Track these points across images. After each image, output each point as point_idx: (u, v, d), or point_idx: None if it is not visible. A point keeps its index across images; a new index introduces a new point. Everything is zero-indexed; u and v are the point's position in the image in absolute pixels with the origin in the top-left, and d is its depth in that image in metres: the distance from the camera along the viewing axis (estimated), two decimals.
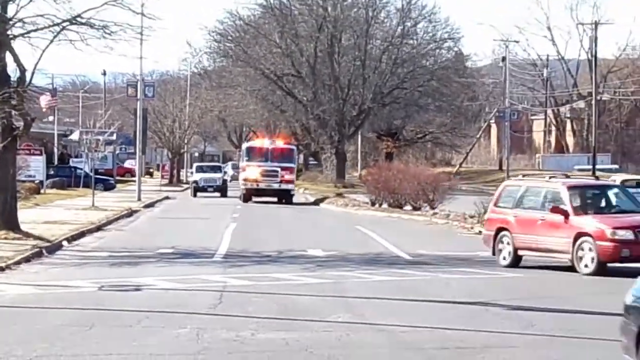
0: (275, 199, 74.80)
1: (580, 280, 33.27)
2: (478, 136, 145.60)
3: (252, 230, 48.54)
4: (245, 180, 56.74)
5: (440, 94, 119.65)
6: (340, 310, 22.53)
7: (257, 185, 55.90)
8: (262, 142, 65.12)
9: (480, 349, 17.43)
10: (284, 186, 56.76)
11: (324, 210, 77.70)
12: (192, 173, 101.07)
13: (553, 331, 19.65)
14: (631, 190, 64.90)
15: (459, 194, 77.00)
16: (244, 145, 63.51)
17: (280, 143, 68.11)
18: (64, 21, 43.06)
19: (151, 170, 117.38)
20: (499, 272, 33.95)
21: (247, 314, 21.69)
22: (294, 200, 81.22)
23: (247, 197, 57.84)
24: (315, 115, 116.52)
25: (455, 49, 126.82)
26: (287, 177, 57.12)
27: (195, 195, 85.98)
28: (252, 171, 56.04)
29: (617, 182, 77.44)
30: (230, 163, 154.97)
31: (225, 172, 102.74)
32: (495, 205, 45.03)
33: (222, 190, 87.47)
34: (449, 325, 20.16)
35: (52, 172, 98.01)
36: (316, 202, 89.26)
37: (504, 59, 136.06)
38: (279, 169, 55.57)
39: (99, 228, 50.09)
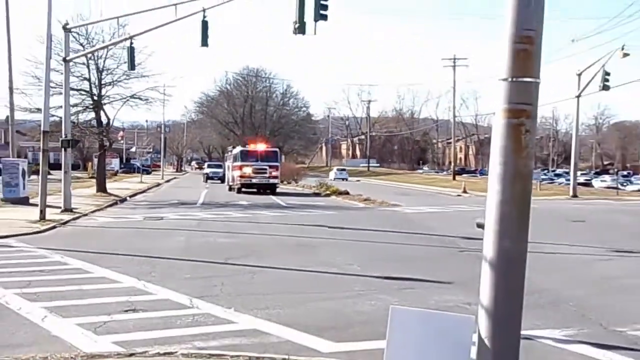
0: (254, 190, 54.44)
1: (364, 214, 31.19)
2: (317, 151, 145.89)
3: (216, 192, 48.07)
4: (241, 176, 44.43)
5: (300, 131, 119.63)
6: (255, 229, 23.40)
7: (251, 180, 44.26)
8: (253, 147, 50.39)
9: (319, 246, 18.45)
10: (271, 181, 45.23)
11: None
12: (205, 168, 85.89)
13: (351, 237, 20.03)
14: (338, 173, 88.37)
15: (308, 177, 75.89)
16: (238, 149, 49.00)
17: (266, 147, 52.97)
18: (127, 97, 42.76)
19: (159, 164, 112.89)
20: (324, 211, 32.27)
21: (212, 230, 22.42)
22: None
23: (240, 189, 45.27)
24: (242, 141, 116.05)
25: (307, 111, 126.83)
26: (274, 173, 45.59)
27: (206, 182, 71.59)
28: (247, 169, 44.05)
29: (335, 170, 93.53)
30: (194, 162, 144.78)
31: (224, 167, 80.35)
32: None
33: (222, 178, 71.67)
34: (303, 235, 20.97)
35: (122, 166, 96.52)
36: None
37: (328, 116, 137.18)
38: (267, 167, 44.37)
39: (143, 191, 49.45)
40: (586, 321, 9.69)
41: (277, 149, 53.38)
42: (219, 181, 69.24)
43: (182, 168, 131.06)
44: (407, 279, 12.82)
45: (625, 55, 41.75)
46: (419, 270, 13.88)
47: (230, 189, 49.93)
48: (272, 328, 8.95)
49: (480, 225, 5.98)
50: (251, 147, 49.30)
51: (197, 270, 13.69)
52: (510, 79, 5.68)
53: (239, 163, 45.60)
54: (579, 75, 45.61)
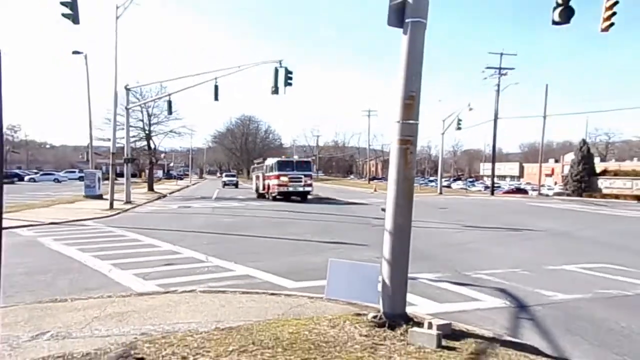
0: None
1: (315, 204, 29.73)
2: None
3: (223, 191, 47.19)
4: (278, 185, 32.31)
5: (275, 154, 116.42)
6: (247, 213, 22.88)
7: (287, 188, 32.22)
8: (289, 157, 38.24)
9: (287, 223, 18.26)
10: (306, 189, 32.75)
11: (243, 187, 69.23)
12: (223, 177, 72.83)
13: (306, 218, 19.88)
14: None
15: None
16: (274, 160, 35.67)
17: (301, 158, 40.02)
18: (167, 132, 42.58)
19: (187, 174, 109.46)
20: (290, 202, 30.62)
21: (221, 214, 21.87)
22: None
23: (275, 197, 32.97)
24: (242, 160, 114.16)
25: (280, 141, 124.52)
26: (308, 182, 32.99)
27: (224, 187, 58.92)
28: (284, 178, 32.20)
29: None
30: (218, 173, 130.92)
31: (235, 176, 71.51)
32: None
33: (236, 184, 62.31)
34: (277, 216, 20.66)
35: (164, 175, 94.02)
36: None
37: (293, 145, 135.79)
38: (302, 176, 32.47)
39: (178, 190, 47.93)
40: (448, 268, 9.79)
41: (310, 160, 37.58)
42: (233, 186, 60.28)
43: (203, 176, 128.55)
44: (340, 242, 12.84)
45: (471, 109, 42.90)
46: (348, 237, 13.87)
47: (260, 195, 35.75)
48: (257, 274, 8.89)
49: (383, 210, 6.02)
50: (287, 157, 34.61)
51: (211, 239, 13.45)
52: (401, 121, 5.75)
53: (275, 173, 31.76)
54: (444, 120, 46.18)
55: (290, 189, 31.46)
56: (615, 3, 9.79)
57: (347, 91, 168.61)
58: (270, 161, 33.32)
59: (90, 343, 4.89)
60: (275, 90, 21.22)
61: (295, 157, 33.70)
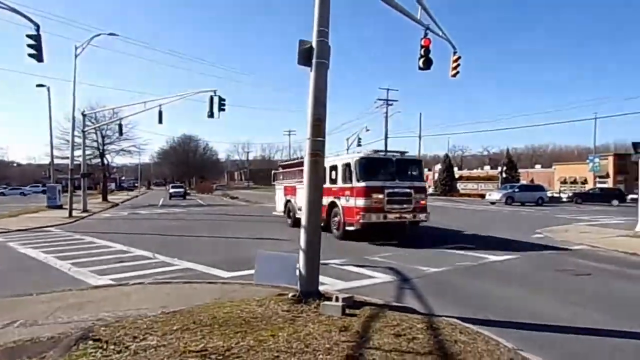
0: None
1: (246, 208, 28.87)
2: (222, 177, 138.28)
3: (167, 201, 44.45)
4: (365, 209, 8.12)
5: (213, 167, 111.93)
6: (189, 217, 21.92)
7: (385, 217, 8.15)
8: (379, 153, 9.96)
9: (223, 225, 17.58)
10: (419, 217, 8.43)
11: (191, 197, 66.04)
12: (169, 188, 54.42)
13: (239, 220, 19.17)
14: (220, 188, 58.29)
15: (217, 190, 72.61)
16: (354, 157, 9.39)
17: (404, 154, 9.91)
18: (118, 150, 39.55)
19: (136, 186, 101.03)
20: (225, 207, 29.74)
21: (166, 218, 20.87)
22: None
23: (355, 231, 8.92)
24: (184, 173, 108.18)
25: (217, 157, 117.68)
26: (422, 202, 8.62)
27: (170, 199, 43.48)
28: (378, 196, 8.03)
29: (215, 186, 70.67)
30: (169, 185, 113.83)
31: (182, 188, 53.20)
32: None
33: (184, 195, 48.36)
34: (215, 219, 19.96)
35: (116, 187, 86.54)
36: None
37: (228, 159, 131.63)
38: (412, 192, 8.18)
39: (128, 200, 44.17)
40: (353, 255, 9.97)
41: (420, 159, 13.49)
42: (181, 198, 46.21)
43: (151, 187, 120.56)
44: (267, 238, 12.66)
45: (367, 130, 45.00)
46: (272, 234, 13.71)
47: (296, 224, 13.81)
48: (197, 267, 8.55)
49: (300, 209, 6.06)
50: (378, 153, 11.41)
51: (158, 239, 12.69)
52: (311, 139, 5.87)
53: (357, 184, 10.06)
54: (347, 139, 47.17)
55: (391, 216, 10.90)
56: (459, 58, 10.90)
57: (272, 116, 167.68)
58: (339, 160, 12.14)
59: (54, 328, 4.71)
60: (211, 115, 20.52)
61: (395, 153, 11.71)
